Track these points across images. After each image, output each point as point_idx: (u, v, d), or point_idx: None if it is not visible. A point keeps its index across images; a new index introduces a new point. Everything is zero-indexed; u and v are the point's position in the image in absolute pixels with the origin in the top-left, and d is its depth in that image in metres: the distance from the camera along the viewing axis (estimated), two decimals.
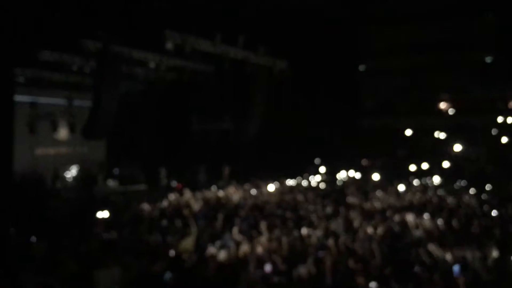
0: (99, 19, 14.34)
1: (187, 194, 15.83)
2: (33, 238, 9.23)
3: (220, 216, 11.46)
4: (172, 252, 8.47)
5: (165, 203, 14.20)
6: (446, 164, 22.85)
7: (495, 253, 8.48)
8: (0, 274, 7.22)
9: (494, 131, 23.75)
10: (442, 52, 24.68)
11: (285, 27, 18.17)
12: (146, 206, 13.54)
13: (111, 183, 20.16)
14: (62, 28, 14.39)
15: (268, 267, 7.55)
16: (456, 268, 7.40)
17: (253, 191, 16.92)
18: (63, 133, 21.20)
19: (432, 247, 8.71)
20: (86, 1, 13.66)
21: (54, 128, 20.51)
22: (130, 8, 14.13)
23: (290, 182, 19.74)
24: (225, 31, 16.26)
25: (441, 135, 24.66)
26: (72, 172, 21.00)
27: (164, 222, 11.25)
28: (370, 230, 10.19)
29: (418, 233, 10.14)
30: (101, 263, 7.45)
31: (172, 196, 15.51)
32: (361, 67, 27.46)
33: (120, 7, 13.84)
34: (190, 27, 15.36)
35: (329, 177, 21.83)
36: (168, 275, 7.10)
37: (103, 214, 12.02)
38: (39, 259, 8.03)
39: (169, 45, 15.25)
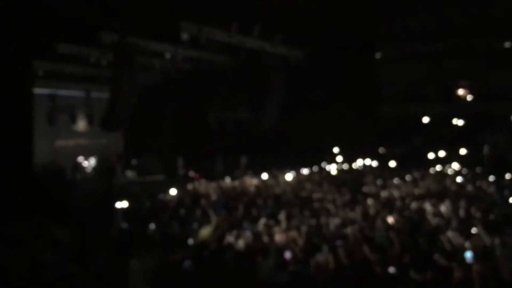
0: (115, 12, 14.42)
1: (205, 184, 15.97)
2: (55, 228, 9.41)
3: (238, 206, 11.55)
4: (191, 241, 8.58)
5: (183, 193, 14.34)
6: (463, 151, 22.62)
7: None
8: (25, 263, 7.39)
9: None
10: (461, 38, 24.30)
11: (301, 15, 18.04)
12: (164, 196, 13.70)
13: (129, 173, 20.39)
14: (79, 21, 14.52)
15: (287, 255, 7.61)
16: (468, 254, 7.35)
17: (270, 181, 16.97)
18: (82, 125, 21.50)
19: (451, 235, 8.68)
20: None
21: (73, 120, 20.81)
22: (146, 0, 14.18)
23: (307, 171, 19.74)
24: (240, 21, 16.24)
25: (459, 122, 24.36)
26: (91, 163, 21.28)
27: (182, 212, 11.37)
28: (388, 218, 10.18)
29: (436, 221, 10.10)
30: (125, 252, 7.58)
31: (190, 186, 15.67)
32: (378, 55, 27.19)
33: None
34: (206, 18, 15.37)
35: (346, 165, 21.79)
36: (187, 264, 7.20)
37: (122, 204, 12.18)
38: (62, 248, 8.19)
39: (184, 36, 15.33)
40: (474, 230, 8.94)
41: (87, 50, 16.92)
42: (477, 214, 10.73)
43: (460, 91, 25.80)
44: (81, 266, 7.35)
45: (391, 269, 6.90)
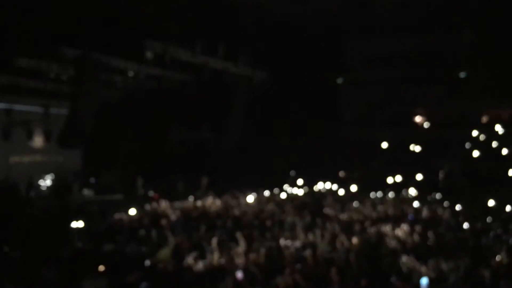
0: (78, 27, 14.22)
1: (164, 204, 15.73)
2: (6, 248, 9.07)
3: (198, 227, 11.43)
4: (147, 262, 8.40)
5: (141, 213, 14.08)
6: (420, 176, 23.21)
7: (468, 264, 8.64)
8: None
9: (467, 145, 24.22)
10: (418, 66, 25.13)
11: (265, 38, 18.30)
12: (122, 216, 13.41)
13: (87, 192, 19.89)
14: (39, 34, 14.23)
15: (239, 274, 7.55)
16: (423, 281, 7.46)
17: (231, 202, 16.88)
18: (38, 141, 20.85)
19: (407, 258, 8.84)
20: (65, 8, 13.56)
21: (30, 136, 20.14)
22: (110, 16, 14.05)
23: (268, 193, 19.75)
24: (205, 41, 16.29)
25: (416, 148, 25.00)
26: (47, 181, 20.66)
27: (141, 232, 11.15)
28: (347, 241, 10.28)
29: (394, 244, 10.26)
30: (79, 273, 7.36)
31: (149, 206, 15.40)
32: (339, 80, 27.79)
33: (100, 14, 13.76)
34: (170, 37, 15.35)
35: (307, 188, 21.93)
36: (144, 285, 7.03)
37: (77, 223, 11.86)
38: (13, 268, 7.87)
39: (148, 54, 15.23)
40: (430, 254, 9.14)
41: (46, 64, 16.54)
42: (432, 238, 10.99)
43: (417, 118, 26.57)
44: (32, 285, 7.09)
45: None
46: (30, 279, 7.34)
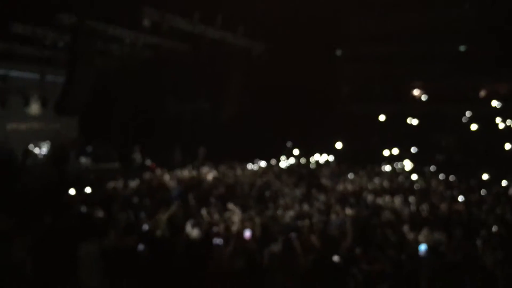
0: None
1: (161, 173, 15.81)
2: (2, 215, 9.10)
3: (195, 196, 11.51)
4: (145, 227, 8.50)
5: (138, 182, 14.15)
6: (416, 149, 23.33)
7: (460, 236, 8.77)
8: None
9: (464, 120, 24.24)
10: (417, 40, 24.92)
11: (264, 9, 18.07)
12: (119, 184, 13.48)
13: (84, 160, 19.91)
14: (35, 0, 14.04)
15: (247, 233, 7.71)
16: (422, 247, 7.58)
17: (228, 172, 16.97)
18: (35, 108, 20.71)
19: (402, 229, 8.96)
20: None
21: (26, 102, 20.03)
22: None
23: (264, 163, 19.84)
24: (203, 10, 16.13)
25: (413, 121, 25.01)
26: (43, 149, 20.62)
27: (136, 199, 11.23)
28: (342, 212, 10.38)
29: (389, 215, 10.37)
30: (78, 238, 7.43)
31: (146, 175, 15.47)
32: (338, 52, 27.61)
33: None
34: (168, 5, 15.18)
35: (303, 159, 22.02)
36: (141, 247, 7.14)
37: (74, 191, 11.89)
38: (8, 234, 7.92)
39: (146, 22, 15.08)
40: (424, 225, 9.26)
41: (43, 31, 16.36)
42: (427, 210, 11.13)
43: (415, 92, 26.50)
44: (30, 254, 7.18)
45: (336, 258, 7.06)
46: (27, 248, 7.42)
